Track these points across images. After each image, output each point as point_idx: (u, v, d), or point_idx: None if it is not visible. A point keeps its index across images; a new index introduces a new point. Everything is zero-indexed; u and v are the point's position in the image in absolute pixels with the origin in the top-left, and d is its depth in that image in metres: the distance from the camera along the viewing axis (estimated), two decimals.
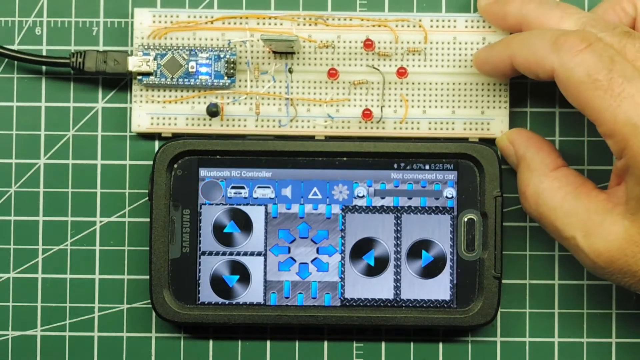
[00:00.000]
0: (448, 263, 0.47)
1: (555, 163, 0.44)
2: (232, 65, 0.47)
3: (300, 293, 0.47)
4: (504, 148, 0.47)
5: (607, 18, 0.44)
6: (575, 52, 0.40)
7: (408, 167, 0.47)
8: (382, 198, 0.47)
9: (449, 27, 0.48)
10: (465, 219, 0.47)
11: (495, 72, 0.46)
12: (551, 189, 0.43)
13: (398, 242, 0.47)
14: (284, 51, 0.48)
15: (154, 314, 0.48)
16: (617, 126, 0.39)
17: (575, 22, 0.43)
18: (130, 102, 0.49)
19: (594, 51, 0.40)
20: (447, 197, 0.47)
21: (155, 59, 0.47)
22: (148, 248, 0.47)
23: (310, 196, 0.47)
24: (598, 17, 0.43)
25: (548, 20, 0.44)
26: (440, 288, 0.47)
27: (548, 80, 0.42)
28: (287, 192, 0.47)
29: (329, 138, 0.48)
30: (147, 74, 0.47)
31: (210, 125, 0.48)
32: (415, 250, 0.47)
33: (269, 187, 0.47)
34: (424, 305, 0.47)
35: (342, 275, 0.47)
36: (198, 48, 0.48)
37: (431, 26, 0.48)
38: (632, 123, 0.39)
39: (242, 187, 0.47)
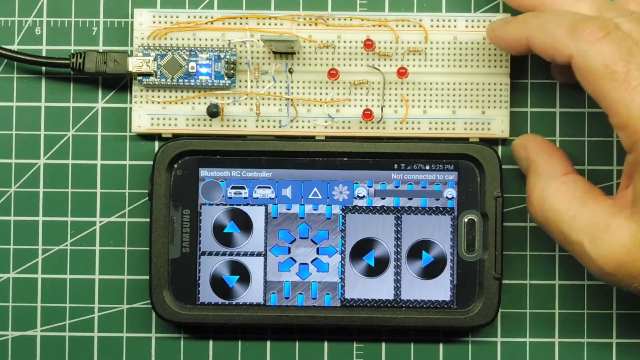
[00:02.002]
0: (448, 264, 0.47)
1: (565, 169, 0.44)
2: (232, 65, 0.47)
3: (300, 293, 0.47)
4: (517, 151, 0.46)
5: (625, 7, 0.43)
6: (594, 40, 0.39)
7: (408, 168, 0.47)
8: (383, 198, 0.47)
9: (449, 27, 0.48)
10: (466, 220, 0.47)
11: (509, 49, 0.44)
12: (558, 192, 0.43)
13: (398, 242, 0.47)
14: (284, 51, 0.48)
15: (154, 314, 0.48)
16: (631, 120, 0.39)
17: (591, 5, 0.42)
18: (130, 103, 0.49)
19: (612, 40, 0.39)
20: (447, 197, 0.47)
21: (155, 59, 0.47)
22: (148, 248, 0.47)
23: (310, 196, 0.47)
24: (615, 3, 0.43)
25: (563, 2, 0.43)
26: (440, 289, 0.47)
27: (564, 64, 0.41)
28: (287, 192, 0.47)
29: (330, 138, 0.48)
30: (147, 75, 0.47)
31: (210, 125, 0.48)
32: (416, 251, 0.47)
33: (269, 188, 0.47)
34: (424, 305, 0.47)
35: (342, 276, 0.47)
36: (198, 48, 0.48)
37: (431, 26, 0.48)
38: None
39: (242, 188, 0.47)
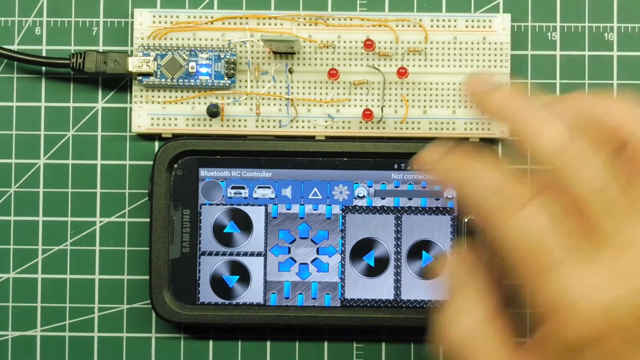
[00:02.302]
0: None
1: (495, 311, 0.38)
2: (232, 65, 0.47)
3: (300, 293, 0.47)
4: (452, 269, 0.40)
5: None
6: (516, 209, 0.35)
7: (408, 168, 0.47)
8: (383, 198, 0.47)
9: (449, 27, 0.48)
10: (466, 220, 0.47)
11: (434, 181, 0.41)
12: (485, 339, 0.37)
13: (398, 242, 0.47)
14: (284, 51, 0.48)
15: (154, 314, 0.48)
16: (548, 297, 0.35)
17: (560, 129, 0.36)
18: (130, 103, 0.49)
19: (537, 208, 0.35)
20: (447, 197, 0.47)
21: (155, 59, 0.47)
22: (148, 248, 0.47)
23: (310, 196, 0.47)
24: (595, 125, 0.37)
25: (530, 118, 0.37)
26: (440, 289, 0.47)
27: None
28: (287, 192, 0.47)
29: (330, 138, 0.48)
30: (147, 75, 0.47)
31: (210, 125, 0.48)
32: (416, 251, 0.47)
33: (269, 188, 0.47)
34: (424, 305, 0.47)
35: (342, 276, 0.47)
36: (198, 48, 0.48)
37: (431, 26, 0.48)
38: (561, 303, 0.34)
39: (242, 188, 0.47)
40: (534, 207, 0.35)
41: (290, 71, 0.48)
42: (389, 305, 0.47)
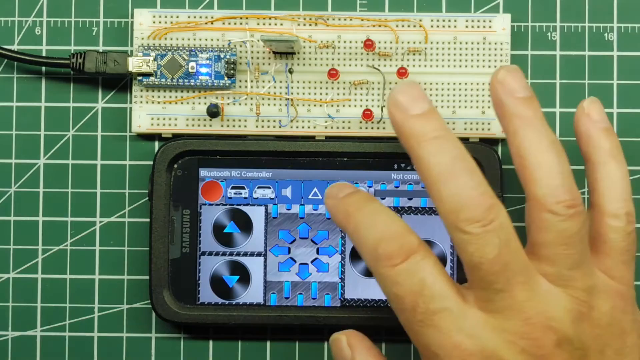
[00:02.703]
0: (448, 264, 0.47)
1: None
2: (232, 65, 0.47)
3: (300, 293, 0.47)
4: (337, 349, 0.41)
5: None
6: (391, 265, 0.37)
7: (408, 168, 0.47)
8: (383, 199, 0.47)
9: (449, 27, 0.48)
10: None
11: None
12: None
13: None
14: (284, 51, 0.48)
15: (154, 314, 0.48)
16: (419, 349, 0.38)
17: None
18: (130, 103, 0.49)
19: (408, 267, 0.37)
20: None
21: (155, 59, 0.47)
22: (148, 248, 0.47)
23: (310, 196, 0.47)
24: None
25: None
26: None
27: None
28: (287, 192, 0.47)
29: (330, 138, 0.48)
30: (147, 75, 0.47)
31: (210, 125, 0.48)
32: None
33: (269, 188, 0.47)
34: None
35: (342, 276, 0.47)
36: (198, 48, 0.48)
37: (431, 26, 0.48)
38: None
39: (242, 188, 0.47)
40: (420, 255, 0.37)
41: (290, 71, 0.48)
42: (389, 305, 0.47)
